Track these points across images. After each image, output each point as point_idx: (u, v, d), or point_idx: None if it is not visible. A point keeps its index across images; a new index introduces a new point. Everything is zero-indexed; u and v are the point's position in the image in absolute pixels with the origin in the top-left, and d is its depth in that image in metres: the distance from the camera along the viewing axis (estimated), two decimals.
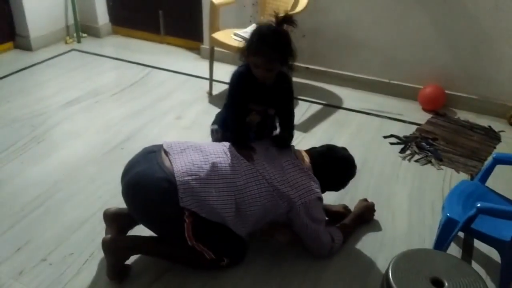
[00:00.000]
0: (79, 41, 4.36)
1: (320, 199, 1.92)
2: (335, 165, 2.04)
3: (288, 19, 1.81)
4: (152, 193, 1.72)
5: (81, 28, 4.39)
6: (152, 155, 1.83)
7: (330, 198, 2.23)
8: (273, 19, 1.82)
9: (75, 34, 4.36)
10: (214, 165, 1.79)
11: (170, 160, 1.79)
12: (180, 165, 1.76)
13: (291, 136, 2.06)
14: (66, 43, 4.31)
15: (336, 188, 2.14)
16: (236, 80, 1.92)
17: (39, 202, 2.29)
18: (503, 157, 2.03)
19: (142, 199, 1.75)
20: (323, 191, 1.98)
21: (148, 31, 4.47)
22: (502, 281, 1.80)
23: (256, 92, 1.91)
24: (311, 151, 2.07)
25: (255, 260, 1.98)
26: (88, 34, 4.49)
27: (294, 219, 1.87)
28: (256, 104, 1.97)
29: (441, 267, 1.51)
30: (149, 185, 1.73)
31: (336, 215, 2.18)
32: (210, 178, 1.76)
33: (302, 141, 2.87)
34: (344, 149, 2.13)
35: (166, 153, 1.83)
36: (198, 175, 1.75)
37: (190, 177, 1.73)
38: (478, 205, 1.64)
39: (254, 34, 1.84)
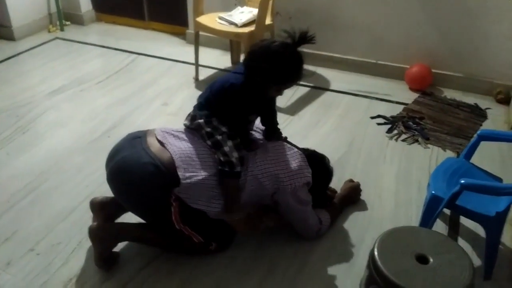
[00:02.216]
0: (62, 29, 4.29)
1: (309, 184, 1.92)
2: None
3: (306, 38, 1.74)
4: (138, 177, 1.71)
5: (64, 16, 4.32)
6: (137, 140, 1.81)
7: None
8: (289, 39, 1.73)
9: (58, 22, 4.29)
10: (202, 156, 1.78)
11: (166, 148, 1.76)
12: (178, 154, 1.74)
13: (279, 131, 2.05)
14: (49, 31, 4.24)
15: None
16: (243, 96, 1.78)
17: (25, 192, 2.27)
18: (487, 134, 2.04)
19: (128, 184, 1.74)
20: None
21: (132, 17, 4.41)
22: (487, 256, 1.82)
23: (257, 103, 1.88)
24: None
25: (243, 244, 1.99)
26: (71, 22, 4.42)
27: (280, 201, 1.87)
28: (254, 115, 1.96)
29: (426, 244, 1.52)
30: (135, 169, 1.71)
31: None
32: (200, 169, 1.75)
33: (289, 124, 2.86)
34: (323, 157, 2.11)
35: (159, 142, 1.80)
36: (190, 164, 1.73)
37: (188, 173, 1.71)
38: (462, 181, 1.65)
39: (300, 66, 1.74)
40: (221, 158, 1.74)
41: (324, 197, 2.13)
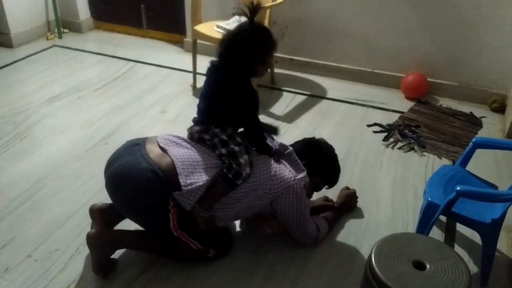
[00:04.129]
0: (60, 37, 4.31)
1: (305, 186, 1.91)
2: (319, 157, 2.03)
3: (255, 6, 1.75)
4: (137, 183, 1.71)
5: (62, 24, 4.34)
6: (135, 147, 1.82)
7: None
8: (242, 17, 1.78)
9: (56, 30, 4.30)
10: (204, 163, 1.79)
11: (168, 154, 1.77)
12: (180, 160, 1.75)
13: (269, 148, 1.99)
14: (47, 39, 4.26)
15: (327, 177, 2.10)
16: (256, 96, 1.83)
17: (23, 199, 2.27)
18: (482, 141, 2.07)
19: (126, 190, 1.75)
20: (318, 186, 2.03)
21: (130, 25, 4.43)
22: (483, 262, 1.83)
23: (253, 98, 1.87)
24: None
25: (241, 251, 1.99)
26: (69, 30, 4.44)
27: (279, 208, 1.88)
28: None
29: (422, 250, 1.53)
30: (133, 176, 1.72)
31: (319, 209, 2.17)
32: (201, 175, 1.75)
33: (286, 132, 2.88)
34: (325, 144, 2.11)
35: (161, 148, 1.81)
36: (191, 171, 1.74)
37: (190, 180, 1.72)
38: (458, 188, 1.67)
39: (267, 34, 1.78)
40: (234, 166, 1.74)
41: (334, 179, 2.11)
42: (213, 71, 1.85)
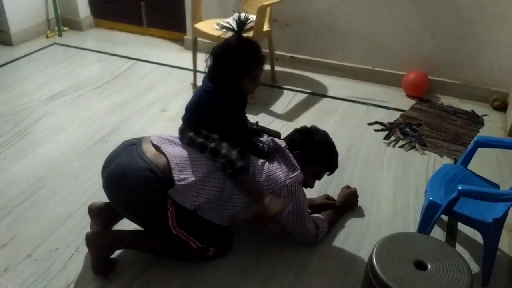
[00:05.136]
0: (60, 35, 4.30)
1: (300, 183, 1.90)
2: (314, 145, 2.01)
3: (242, 21, 1.76)
4: (135, 182, 1.71)
5: (62, 22, 4.33)
6: (132, 147, 1.82)
7: (316, 185, 2.22)
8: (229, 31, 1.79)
9: (56, 28, 4.30)
10: (197, 159, 1.79)
11: (162, 151, 1.77)
12: (174, 156, 1.75)
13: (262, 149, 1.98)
14: (47, 37, 4.25)
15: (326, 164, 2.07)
16: (234, 108, 1.84)
17: (23, 198, 2.27)
18: (484, 140, 2.06)
19: (125, 189, 1.74)
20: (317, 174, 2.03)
21: (130, 23, 4.42)
22: (485, 262, 1.82)
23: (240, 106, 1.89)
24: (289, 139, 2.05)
25: (241, 251, 1.98)
26: (69, 28, 4.43)
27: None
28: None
29: (424, 250, 1.52)
30: (131, 175, 1.72)
31: (320, 207, 2.17)
32: (195, 171, 1.75)
33: (287, 130, 2.84)
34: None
35: (154, 146, 1.81)
36: (184, 167, 1.74)
37: (183, 175, 1.72)
38: (460, 188, 1.66)
39: (254, 48, 1.79)
40: (221, 161, 1.74)
41: (332, 163, 2.08)
42: (203, 81, 1.87)
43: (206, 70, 1.84)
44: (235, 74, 1.76)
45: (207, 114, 1.82)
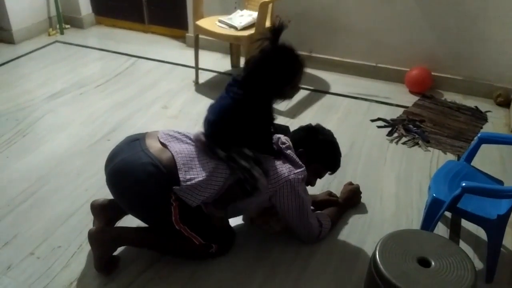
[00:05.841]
0: (62, 33, 4.30)
1: (303, 179, 1.89)
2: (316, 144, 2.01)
3: (278, 29, 1.69)
4: (138, 177, 1.70)
5: (64, 19, 4.32)
6: (136, 142, 1.81)
7: (318, 182, 2.22)
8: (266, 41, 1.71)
9: (58, 26, 4.30)
10: (204, 159, 1.78)
11: (169, 149, 1.76)
12: (180, 155, 1.74)
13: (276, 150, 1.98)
14: (49, 35, 4.25)
15: (328, 164, 2.07)
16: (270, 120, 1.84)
17: (25, 196, 2.27)
18: (488, 136, 2.04)
19: (128, 184, 1.73)
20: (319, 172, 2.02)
21: (132, 20, 4.41)
22: (489, 258, 1.81)
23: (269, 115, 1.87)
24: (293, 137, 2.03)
25: (243, 249, 1.98)
26: (71, 25, 4.43)
27: (278, 203, 1.85)
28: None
29: (427, 247, 1.52)
30: (134, 170, 1.71)
31: (323, 204, 2.16)
32: (200, 171, 1.74)
33: (290, 127, 2.85)
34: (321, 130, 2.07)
35: (162, 143, 1.80)
36: (191, 167, 1.73)
37: (189, 175, 1.71)
38: (464, 184, 1.65)
39: (285, 55, 1.72)
40: (250, 180, 1.70)
41: (335, 163, 2.06)
42: (235, 87, 1.78)
43: (235, 77, 1.78)
44: (276, 86, 1.74)
45: (234, 123, 1.76)
